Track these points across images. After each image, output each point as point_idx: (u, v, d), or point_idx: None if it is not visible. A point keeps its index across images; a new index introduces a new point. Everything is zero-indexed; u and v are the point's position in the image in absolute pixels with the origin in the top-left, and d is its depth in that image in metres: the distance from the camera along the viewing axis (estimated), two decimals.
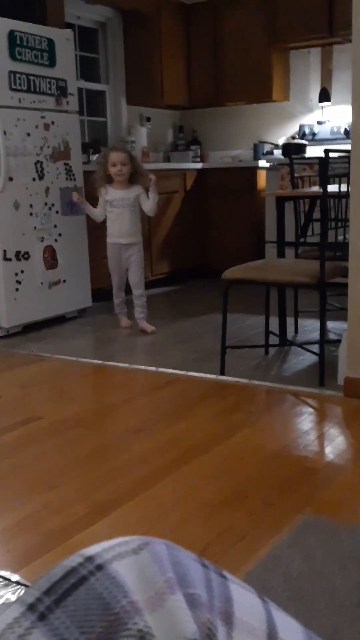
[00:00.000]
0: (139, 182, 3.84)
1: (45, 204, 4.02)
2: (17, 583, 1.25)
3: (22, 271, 3.92)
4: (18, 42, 3.76)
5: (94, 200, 4.10)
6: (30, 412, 2.67)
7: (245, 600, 0.53)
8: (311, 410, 2.64)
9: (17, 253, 3.88)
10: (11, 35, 3.72)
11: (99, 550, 0.52)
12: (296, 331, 3.77)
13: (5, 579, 1.30)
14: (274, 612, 0.54)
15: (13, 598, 1.23)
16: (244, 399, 2.76)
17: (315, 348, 3.24)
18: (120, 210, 3.85)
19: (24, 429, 2.48)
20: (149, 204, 3.88)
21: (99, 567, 0.50)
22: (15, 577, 1.30)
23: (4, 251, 3.79)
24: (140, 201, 3.88)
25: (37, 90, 3.92)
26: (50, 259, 4.10)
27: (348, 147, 2.66)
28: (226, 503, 1.85)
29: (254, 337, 3.67)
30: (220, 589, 0.53)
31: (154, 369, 3.17)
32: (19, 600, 0.50)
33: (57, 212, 4.11)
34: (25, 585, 1.27)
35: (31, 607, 0.49)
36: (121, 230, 3.88)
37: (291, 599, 1.39)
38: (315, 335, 3.61)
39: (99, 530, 1.73)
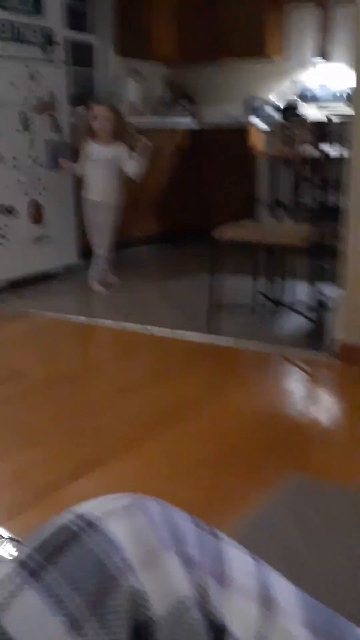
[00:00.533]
0: (124, 140, 3.66)
1: (30, 156, 3.92)
2: (3, 537, 1.24)
3: (6, 225, 3.84)
4: None
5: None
6: (15, 369, 2.64)
7: (238, 560, 0.53)
8: (298, 370, 2.63)
9: (1, 206, 3.80)
10: None
11: (90, 508, 0.51)
12: (284, 293, 3.74)
13: None
14: (266, 571, 0.54)
15: (1, 551, 1.21)
16: (232, 359, 2.74)
17: (303, 308, 3.22)
18: (96, 165, 3.71)
19: (9, 385, 2.46)
20: (132, 167, 3.71)
21: (91, 525, 0.49)
22: (1, 530, 1.29)
23: None
24: (121, 161, 3.68)
25: (22, 39, 3.79)
26: (35, 213, 4.02)
27: (341, 109, 2.60)
28: (214, 463, 1.84)
29: (243, 298, 3.64)
30: (213, 549, 0.52)
31: (141, 327, 3.15)
32: (12, 556, 0.48)
33: (41, 165, 4.01)
34: (11, 539, 1.26)
35: (22, 564, 0.48)
36: (95, 186, 3.75)
37: (277, 558, 1.40)
38: (304, 297, 3.59)
39: (85, 485, 1.72)
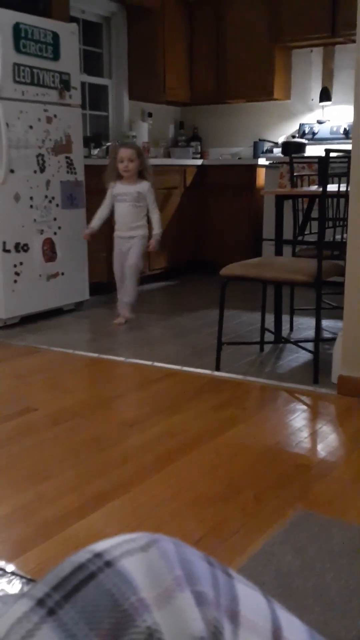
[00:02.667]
0: (147, 178, 3.96)
1: (46, 196, 4.03)
2: (12, 573, 1.27)
3: (20, 263, 3.93)
4: (23, 34, 3.76)
5: (99, 195, 4.12)
6: (26, 403, 2.68)
7: (251, 599, 0.54)
8: (305, 407, 2.67)
9: (17, 245, 3.89)
10: (16, 27, 3.72)
11: (107, 547, 0.52)
12: (291, 329, 3.79)
13: (0, 569, 1.32)
14: (278, 611, 0.55)
15: (8, 588, 1.25)
16: (239, 395, 2.78)
17: (310, 346, 3.26)
18: (123, 204, 3.94)
19: (19, 420, 2.50)
20: (155, 215, 4.03)
21: (108, 564, 0.51)
22: (10, 567, 1.32)
23: (4, 243, 3.81)
24: (147, 197, 3.97)
25: (41, 83, 3.93)
26: (49, 251, 4.12)
27: (347, 147, 2.68)
28: (219, 497, 1.87)
29: (249, 333, 3.69)
30: (227, 587, 0.53)
31: (149, 362, 3.20)
32: (27, 594, 0.50)
33: (57, 205, 4.12)
34: (20, 576, 1.29)
35: (40, 602, 0.49)
36: (123, 223, 3.97)
37: (282, 595, 1.42)
38: (311, 333, 3.64)
39: (93, 521, 1.75)
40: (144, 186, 3.94)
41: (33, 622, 0.48)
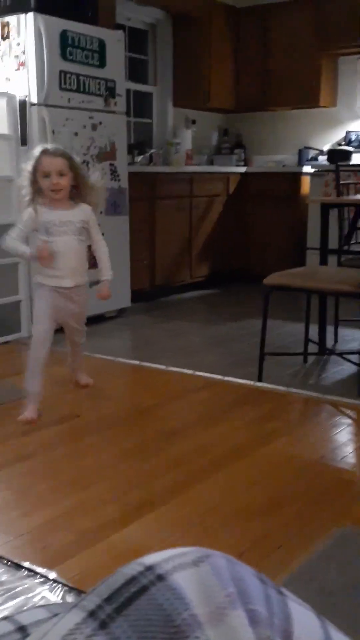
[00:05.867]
0: (87, 199, 2.64)
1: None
2: (54, 581, 1.26)
3: None
4: (70, 42, 3.80)
5: (142, 202, 4.11)
6: (68, 410, 2.69)
7: (304, 619, 0.53)
8: (349, 421, 2.61)
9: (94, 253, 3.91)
10: (64, 35, 3.76)
11: (158, 560, 0.52)
12: (336, 340, 3.73)
13: (42, 576, 1.31)
14: (331, 631, 0.54)
15: (50, 596, 1.24)
16: (281, 407, 2.74)
17: (356, 358, 3.20)
18: (64, 239, 2.58)
19: (62, 426, 2.51)
20: (104, 254, 2.81)
21: (160, 577, 0.50)
22: (52, 575, 1.31)
23: None
24: (90, 231, 2.69)
25: (87, 90, 3.96)
26: (92, 258, 4.12)
27: None
28: (261, 511, 1.84)
29: (292, 344, 3.64)
30: (279, 606, 0.52)
31: (190, 371, 3.17)
32: (79, 605, 0.50)
33: (100, 212, 4.13)
34: (62, 584, 1.28)
35: (92, 614, 0.49)
36: (65, 267, 2.61)
37: (326, 614, 1.37)
38: (356, 345, 3.57)
39: (134, 531, 1.73)
40: (86, 211, 2.63)
41: (85, 634, 0.48)
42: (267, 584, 0.54)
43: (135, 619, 0.48)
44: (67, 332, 2.84)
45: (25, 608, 1.17)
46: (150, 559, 0.53)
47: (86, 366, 3.34)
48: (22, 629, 0.64)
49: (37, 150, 2.57)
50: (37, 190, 2.55)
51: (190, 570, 0.51)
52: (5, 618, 0.66)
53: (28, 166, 2.55)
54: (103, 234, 4.11)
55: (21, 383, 3.01)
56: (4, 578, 1.33)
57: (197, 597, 0.49)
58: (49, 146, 2.62)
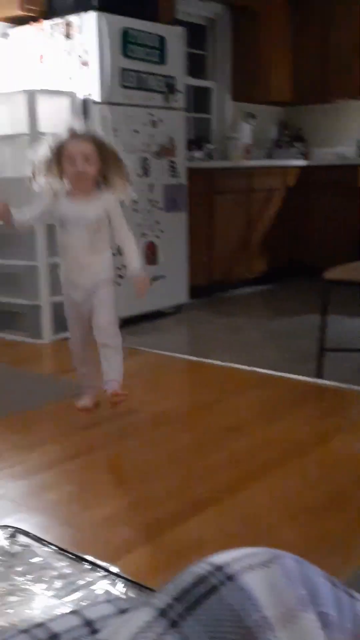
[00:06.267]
0: (115, 185, 2.39)
1: (149, 200, 4.08)
2: (116, 575, 1.28)
3: (123, 266, 3.98)
4: (131, 39, 3.83)
5: (201, 198, 4.10)
6: (127, 405, 2.71)
7: None
8: None
9: (119, 248, 3.95)
10: (125, 32, 3.79)
11: (228, 560, 0.52)
12: None
13: (104, 569, 1.33)
14: None
15: (112, 590, 1.26)
16: (343, 403, 2.70)
17: None
18: (76, 234, 2.37)
19: (121, 421, 2.53)
20: (126, 249, 2.52)
21: (230, 578, 0.50)
22: (114, 569, 1.33)
23: None
24: (112, 222, 2.43)
25: (147, 87, 3.98)
26: (151, 254, 4.16)
27: None
28: (322, 510, 1.82)
29: (353, 340, 3.58)
30: (350, 610, 0.51)
31: (248, 367, 3.16)
32: (149, 603, 0.51)
33: (160, 208, 4.15)
34: (124, 578, 1.30)
35: (163, 613, 0.49)
36: (76, 264, 2.43)
37: None
38: None
39: (193, 527, 1.74)
40: (108, 202, 2.39)
41: (157, 632, 0.48)
42: (338, 587, 0.53)
43: (206, 619, 0.48)
44: (94, 331, 2.49)
45: (88, 601, 1.19)
46: (220, 558, 0.53)
47: (144, 361, 3.37)
48: (89, 624, 0.65)
49: (64, 132, 2.32)
50: (59, 176, 2.31)
51: (260, 572, 0.51)
52: (73, 612, 0.67)
53: (51, 147, 2.28)
54: (162, 231, 4.17)
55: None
56: (66, 571, 1.35)
57: (268, 599, 0.49)
58: (77, 128, 2.33)
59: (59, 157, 2.28)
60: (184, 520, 1.77)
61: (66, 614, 0.69)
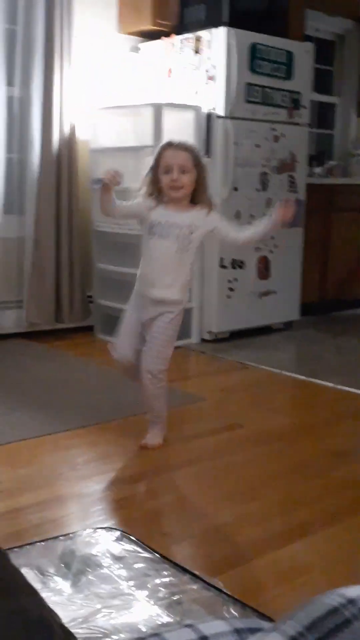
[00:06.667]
0: (205, 203, 2.30)
1: (266, 214, 4.05)
2: (219, 590, 1.27)
3: (235, 279, 3.99)
4: (258, 54, 3.83)
5: (319, 214, 4.03)
6: (232, 419, 2.70)
7: None
8: None
9: (233, 261, 3.96)
10: (253, 48, 3.80)
11: None
12: None
13: (207, 583, 1.32)
14: None
15: (215, 605, 1.24)
16: None
17: None
18: (160, 242, 2.27)
19: (225, 435, 2.52)
20: (246, 233, 2.39)
21: None
22: (218, 583, 1.32)
23: (221, 259, 3.89)
24: (220, 232, 2.33)
25: (271, 102, 3.97)
26: (264, 269, 4.13)
27: None
28: None
29: None
30: None
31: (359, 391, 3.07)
32: (278, 630, 0.50)
33: None
34: (226, 594, 1.29)
35: None
36: (153, 274, 2.30)
37: None
38: None
39: (297, 550, 1.70)
40: (202, 216, 2.28)
41: None
42: None
43: None
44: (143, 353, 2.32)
45: (190, 613, 1.18)
46: (352, 591, 0.52)
47: (250, 377, 3.34)
48: (204, 639, 0.64)
49: (161, 144, 2.34)
50: (158, 190, 2.27)
51: None
52: (188, 626, 0.67)
53: (151, 161, 2.30)
54: (276, 246, 4.14)
55: (188, 388, 3.08)
56: (169, 580, 1.35)
57: None
58: (175, 139, 2.32)
59: (158, 166, 2.26)
60: (287, 543, 1.73)
61: (182, 627, 0.68)
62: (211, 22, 3.81)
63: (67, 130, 3.82)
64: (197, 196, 2.28)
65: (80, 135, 3.93)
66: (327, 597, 0.52)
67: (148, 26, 4.02)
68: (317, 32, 5.22)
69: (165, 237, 2.26)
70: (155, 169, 2.27)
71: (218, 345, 3.91)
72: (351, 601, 0.50)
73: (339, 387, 3.14)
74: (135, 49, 4.17)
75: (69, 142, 3.84)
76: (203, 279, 3.94)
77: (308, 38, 4.77)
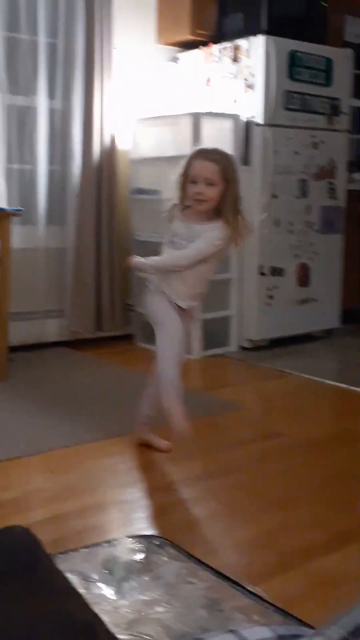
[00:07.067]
0: (227, 218, 2.20)
1: (305, 221, 4.04)
2: (262, 600, 1.27)
3: (275, 286, 3.98)
4: (297, 62, 3.83)
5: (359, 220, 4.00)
6: (272, 428, 2.70)
7: None
8: None
9: (273, 269, 3.95)
10: (292, 55, 3.80)
11: None
12: None
13: (248, 591, 1.33)
14: None
15: (254, 613, 1.25)
16: None
17: None
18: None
19: (265, 444, 2.52)
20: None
21: None
22: (259, 592, 1.33)
23: (260, 266, 3.89)
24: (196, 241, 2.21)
25: (311, 109, 3.96)
26: (304, 276, 4.11)
27: None
28: None
29: None
30: None
31: None
32: (322, 634, 0.50)
33: (315, 230, 4.10)
34: (269, 603, 1.29)
35: None
36: (181, 286, 2.26)
37: None
38: None
39: (338, 559, 1.69)
40: (213, 228, 2.19)
41: None
42: None
43: None
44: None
45: (232, 621, 1.19)
46: None
47: (290, 384, 3.33)
48: None
49: (192, 151, 2.27)
50: (185, 196, 2.20)
51: None
52: (231, 631, 0.68)
53: (180, 169, 2.22)
54: (315, 253, 4.11)
55: (227, 395, 3.08)
56: (211, 587, 1.36)
57: None
58: (207, 147, 2.26)
59: (186, 174, 2.19)
60: (328, 552, 1.72)
61: (225, 632, 0.69)
62: (249, 31, 3.82)
63: (107, 141, 3.87)
64: (222, 209, 2.19)
65: (121, 145, 3.98)
66: None
67: (186, 36, 4.06)
68: (357, 38, 5.18)
69: (183, 248, 2.21)
70: (184, 176, 2.20)
71: (257, 354, 3.90)
72: None
73: None
74: (174, 59, 4.21)
75: (109, 153, 3.89)
76: (242, 287, 3.94)
77: (347, 44, 4.74)
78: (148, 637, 1.12)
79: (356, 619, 0.51)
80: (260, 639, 0.66)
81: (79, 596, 0.96)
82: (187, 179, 2.19)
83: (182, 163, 2.23)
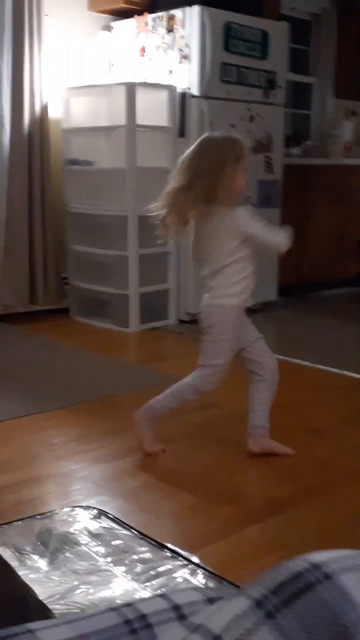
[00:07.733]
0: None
1: (243, 195, 4.04)
2: (197, 565, 1.27)
3: None
4: (233, 34, 3.80)
5: (295, 195, 4.03)
6: (208, 399, 2.70)
7: None
8: None
9: None
10: (227, 27, 3.77)
11: (325, 559, 0.52)
12: None
13: (185, 558, 1.32)
14: None
15: (192, 579, 1.25)
16: None
17: None
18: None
19: (202, 414, 2.53)
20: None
21: (327, 576, 0.50)
22: (195, 559, 1.33)
23: None
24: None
25: (247, 82, 3.94)
26: None
27: None
28: None
29: None
30: None
31: (337, 370, 3.08)
32: (244, 593, 0.50)
33: (252, 204, 4.11)
34: (204, 568, 1.29)
35: (258, 603, 0.49)
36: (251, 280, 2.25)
37: None
38: None
39: (273, 526, 1.71)
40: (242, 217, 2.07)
41: (252, 621, 0.49)
42: None
43: (302, 614, 0.48)
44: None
45: (168, 588, 1.19)
46: (316, 557, 0.53)
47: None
48: (177, 608, 0.65)
49: (235, 135, 2.03)
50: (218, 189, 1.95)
51: (358, 573, 0.50)
52: (161, 596, 0.67)
53: (227, 156, 1.94)
54: None
55: (165, 369, 3.08)
56: (147, 556, 1.36)
57: None
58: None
59: (239, 163, 1.97)
60: (264, 518, 1.74)
61: (154, 596, 0.68)
62: (184, 1, 3.76)
63: (38, 109, 3.76)
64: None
65: (53, 115, 3.88)
66: (292, 563, 0.53)
67: (120, 4, 3.97)
68: (293, 12, 5.19)
69: (221, 246, 2.09)
70: (236, 163, 1.93)
71: (196, 327, 3.89)
72: (316, 566, 0.51)
73: (316, 366, 3.16)
74: (108, 28, 4.12)
75: (41, 122, 3.79)
76: (180, 260, 3.92)
77: (284, 17, 4.74)
78: (82, 607, 1.11)
79: (276, 577, 0.51)
80: (189, 602, 0.65)
81: (8, 568, 0.93)
82: (239, 167, 1.93)
83: (224, 148, 1.96)
